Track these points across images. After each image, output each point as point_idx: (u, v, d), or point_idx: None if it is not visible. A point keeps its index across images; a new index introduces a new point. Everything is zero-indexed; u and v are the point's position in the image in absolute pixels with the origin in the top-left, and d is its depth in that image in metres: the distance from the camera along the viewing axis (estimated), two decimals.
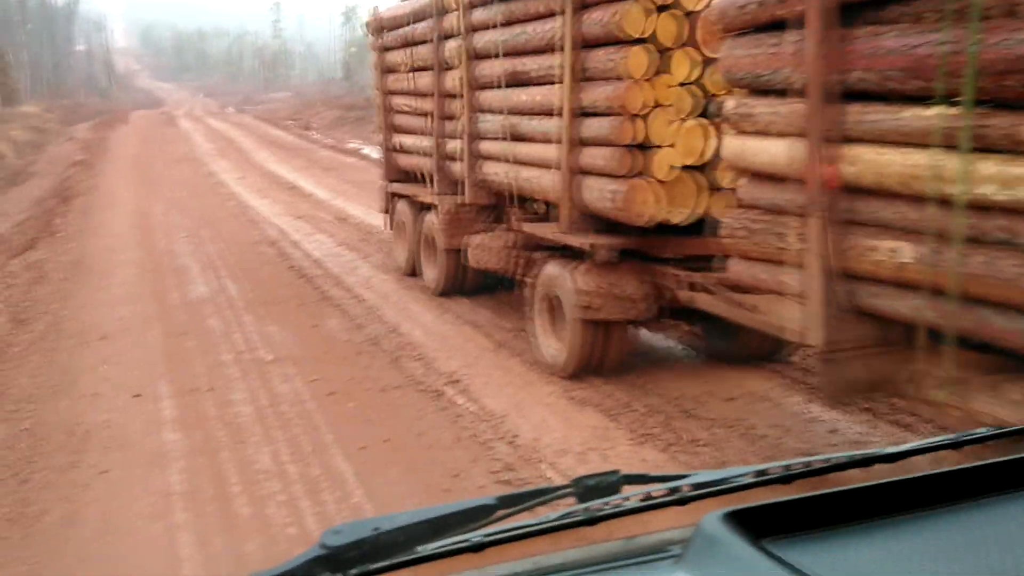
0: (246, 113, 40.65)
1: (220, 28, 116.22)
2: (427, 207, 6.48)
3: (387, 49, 7.43)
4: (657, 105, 4.05)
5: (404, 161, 7.18)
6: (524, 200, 5.30)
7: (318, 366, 4.86)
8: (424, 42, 6.42)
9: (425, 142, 6.55)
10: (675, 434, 3.82)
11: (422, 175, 6.74)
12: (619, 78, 4.09)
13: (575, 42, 4.37)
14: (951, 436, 1.12)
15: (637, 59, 3.99)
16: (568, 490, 0.99)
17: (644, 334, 5.13)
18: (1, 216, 10.31)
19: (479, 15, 5.44)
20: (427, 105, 6.48)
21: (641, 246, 4.37)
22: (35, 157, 17.35)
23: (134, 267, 7.61)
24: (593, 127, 4.33)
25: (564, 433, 3.90)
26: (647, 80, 4.02)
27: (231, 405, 4.28)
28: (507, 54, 5.13)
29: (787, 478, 1.01)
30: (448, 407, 4.23)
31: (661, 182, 4.08)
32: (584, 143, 4.43)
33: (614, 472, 1.02)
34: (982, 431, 1.14)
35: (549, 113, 4.68)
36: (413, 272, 6.87)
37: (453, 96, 5.98)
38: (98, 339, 5.43)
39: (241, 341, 5.37)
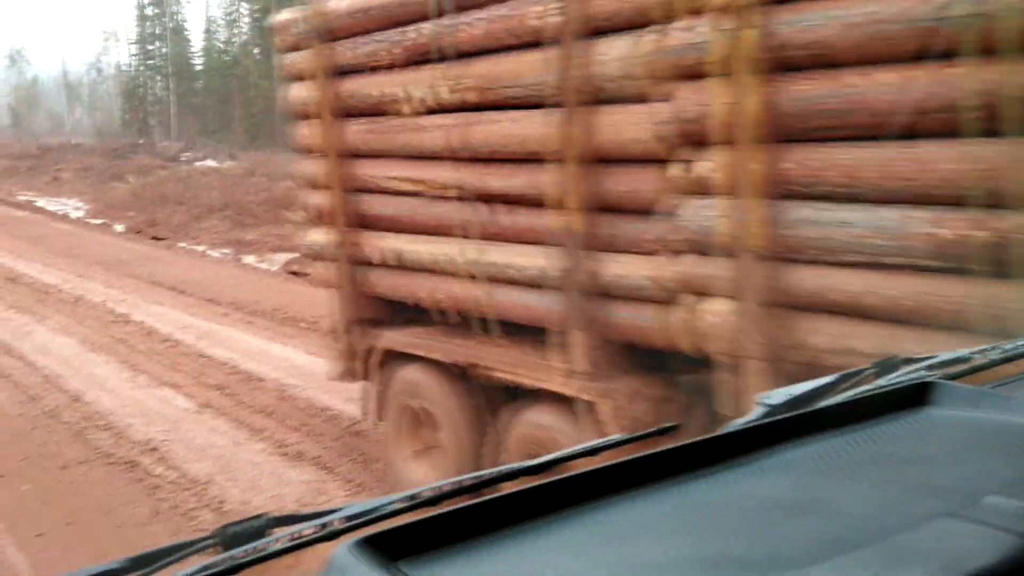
0: None
1: None
2: (520, 393, 3.30)
3: (346, 72, 3.99)
4: None
5: (397, 284, 3.87)
6: None
7: None
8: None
9: (482, 253, 3.37)
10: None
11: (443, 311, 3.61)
12: None
13: None
14: (588, 444, 1.17)
15: None
16: (210, 541, 0.93)
17: None
18: None
19: None
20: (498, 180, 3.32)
21: None
22: None
23: None
24: None
25: (277, 491, 3.74)
26: None
27: None
28: None
29: (436, 499, 1.02)
30: (144, 478, 3.88)
31: None
32: None
33: (260, 516, 0.96)
34: (616, 437, 1.19)
35: None
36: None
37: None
38: None
39: None
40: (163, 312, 7.70)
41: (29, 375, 5.53)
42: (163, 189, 19.45)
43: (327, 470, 4.07)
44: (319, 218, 4.30)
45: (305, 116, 4.24)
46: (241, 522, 0.95)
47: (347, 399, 5.07)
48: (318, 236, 4.32)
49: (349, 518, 0.96)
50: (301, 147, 4.36)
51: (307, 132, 4.26)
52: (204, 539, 0.93)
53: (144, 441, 4.33)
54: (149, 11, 45.63)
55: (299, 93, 4.24)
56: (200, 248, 12.87)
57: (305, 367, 5.88)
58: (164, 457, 4.12)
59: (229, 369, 5.78)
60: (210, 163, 27.42)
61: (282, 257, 12.05)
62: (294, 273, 10.73)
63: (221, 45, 44.58)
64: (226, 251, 12.68)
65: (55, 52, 69.19)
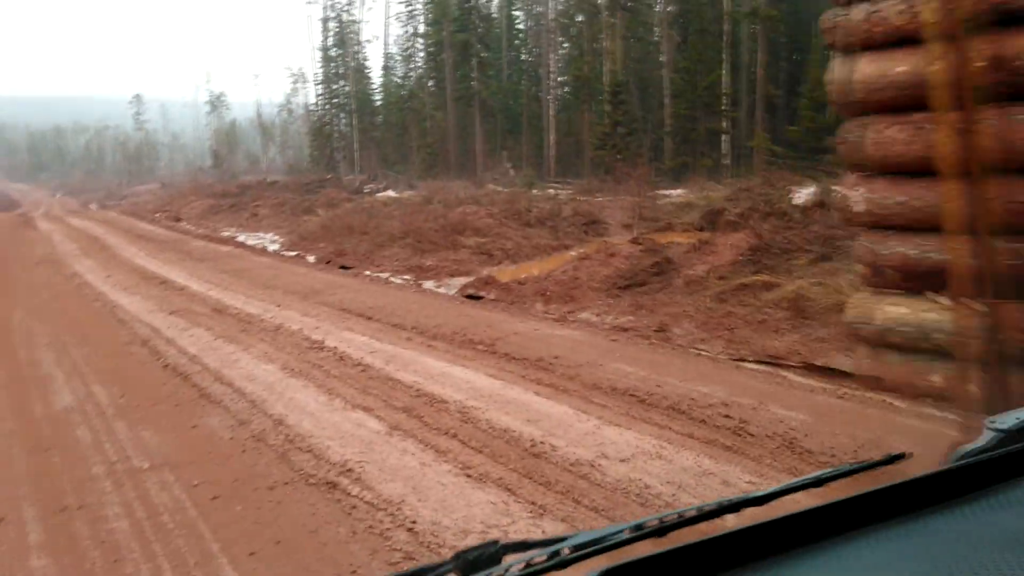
0: (110, 208, 39.15)
1: (79, 124, 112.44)
2: None
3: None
4: None
5: None
6: None
7: (199, 469, 4.62)
8: None
9: None
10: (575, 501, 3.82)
11: None
12: None
13: None
14: (813, 475, 1.16)
15: None
16: (448, 566, 0.97)
17: None
18: None
19: None
20: None
21: None
22: None
23: None
24: None
25: (465, 512, 3.84)
26: None
27: (104, 521, 3.99)
28: None
29: (662, 530, 1.02)
30: (342, 499, 4.09)
31: None
32: None
33: (493, 543, 1.01)
34: (844, 467, 1.17)
35: None
36: None
37: None
38: None
39: (112, 451, 5.05)
40: (353, 338, 8.14)
41: (237, 400, 6.01)
42: (349, 220, 20.65)
43: (510, 491, 4.12)
44: (904, 277, 2.73)
45: (884, 108, 2.72)
46: (477, 548, 1.00)
47: (526, 421, 5.13)
48: (897, 308, 2.84)
49: (578, 547, 0.99)
50: (861, 161, 2.87)
51: (887, 135, 2.84)
52: (443, 564, 0.98)
53: (341, 462, 4.57)
54: (333, 52, 48.74)
55: (879, 72, 2.68)
56: (383, 275, 13.51)
57: (485, 389, 6.02)
58: (360, 478, 4.33)
59: (415, 392, 6.01)
60: (390, 193, 28.89)
61: (458, 281, 12.43)
62: (470, 296, 11.05)
63: (399, 80, 46.89)
64: (407, 277, 13.24)
65: (250, 96, 75.13)
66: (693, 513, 1.07)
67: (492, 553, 1.00)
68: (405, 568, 0.98)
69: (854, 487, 1.05)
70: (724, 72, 26.12)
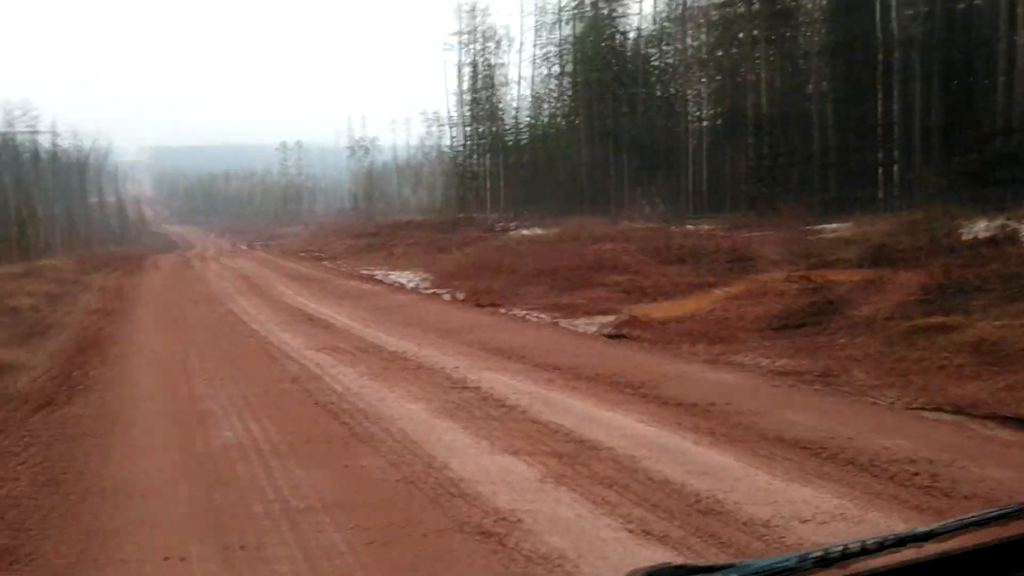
0: (259, 249, 41.42)
1: (238, 170, 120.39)
2: None
3: None
4: None
5: None
6: None
7: (353, 512, 4.56)
8: None
9: None
10: None
11: None
12: None
13: None
14: (982, 512, 1.14)
15: None
16: None
17: None
18: (22, 370, 10.17)
19: None
20: None
21: None
22: (55, 308, 17.44)
23: (159, 418, 7.37)
24: None
25: None
26: None
27: (265, 563, 3.97)
28: None
29: (826, 561, 1.04)
30: (498, 550, 3.90)
31: None
32: None
33: (665, 565, 1.07)
34: (981, 514, 1.15)
35: None
36: None
37: None
38: (124, 497, 5.14)
39: (270, 490, 5.08)
40: (495, 378, 8.03)
41: (387, 440, 5.97)
42: (485, 258, 20.86)
43: (677, 550, 3.82)
44: None
45: None
46: (645, 569, 1.04)
47: (688, 472, 4.81)
48: None
49: (745, 575, 1.01)
50: None
51: None
52: None
53: (494, 510, 4.40)
54: (468, 96, 50.14)
55: None
56: (521, 313, 13.46)
57: (638, 436, 5.73)
58: (515, 529, 4.14)
59: (563, 436, 5.79)
60: (528, 231, 29.07)
61: (598, 320, 12.21)
62: (612, 336, 10.78)
63: (539, 120, 47.62)
64: (545, 315, 13.12)
65: (388, 139, 78.29)
66: (857, 548, 1.07)
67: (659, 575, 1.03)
68: None
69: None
70: (879, 101, 24.89)
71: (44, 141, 60.41)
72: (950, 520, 1.12)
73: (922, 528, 1.10)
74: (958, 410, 6.09)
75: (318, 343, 10.72)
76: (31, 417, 7.53)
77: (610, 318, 12.25)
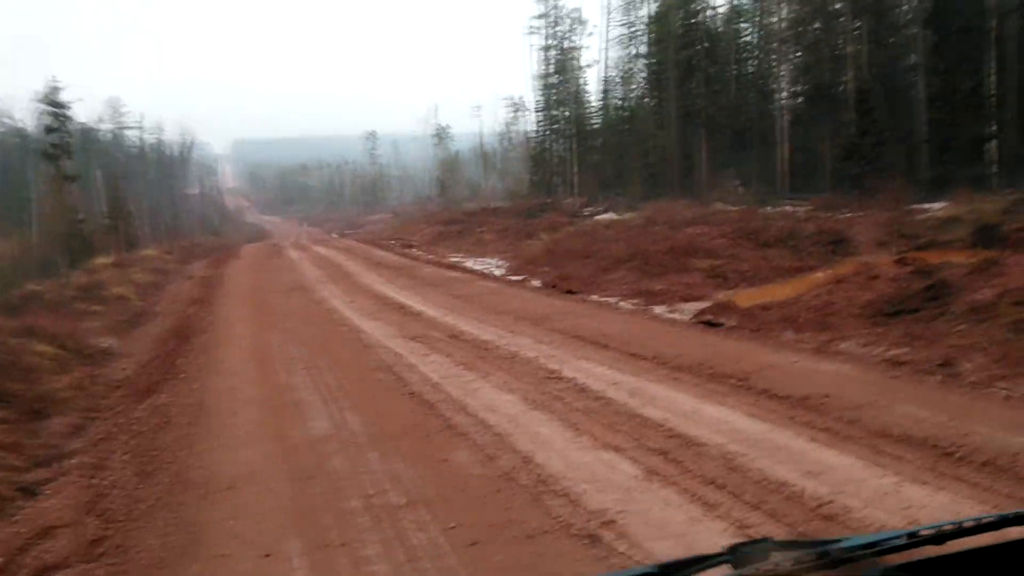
0: (348, 237, 42.20)
1: (321, 161, 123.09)
2: None
3: None
4: None
5: None
6: None
7: (454, 509, 4.43)
8: None
9: None
10: None
11: None
12: None
13: None
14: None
15: None
16: (724, 558, 1.03)
17: None
18: (127, 358, 10.49)
19: None
20: None
21: None
22: (156, 298, 18.05)
23: (254, 406, 7.45)
24: None
25: None
26: None
27: (366, 563, 3.87)
28: None
29: (938, 539, 1.02)
30: (607, 555, 3.70)
31: None
32: None
33: (765, 539, 1.08)
34: None
35: None
36: None
37: None
38: (224, 489, 5.16)
39: (368, 483, 5.00)
40: (590, 368, 7.82)
41: (483, 433, 5.83)
42: (570, 244, 20.59)
43: None
44: None
45: None
46: (749, 543, 1.06)
47: (806, 473, 4.51)
48: None
49: (849, 549, 1.01)
50: None
51: None
52: (719, 556, 1.04)
53: (599, 511, 4.20)
54: (552, 80, 49.72)
55: None
56: (611, 300, 13.17)
57: (747, 432, 5.43)
58: (623, 532, 3.93)
59: (666, 431, 5.54)
60: (610, 215, 28.66)
61: (691, 307, 11.83)
62: (708, 323, 10.40)
63: (618, 102, 46.91)
64: (635, 302, 12.80)
65: (472, 126, 78.55)
66: (972, 524, 1.06)
67: (764, 549, 1.03)
68: (681, 558, 1.08)
69: None
70: (992, 72, 23.32)
71: (132, 136, 63.16)
72: None
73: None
74: None
75: (409, 331, 10.71)
76: (139, 404, 7.72)
77: (703, 304, 11.85)
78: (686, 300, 12.35)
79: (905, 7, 29.24)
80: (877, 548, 0.99)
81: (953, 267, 9.86)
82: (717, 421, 5.69)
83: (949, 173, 21.83)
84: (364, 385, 7.86)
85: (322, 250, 31.41)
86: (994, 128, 23.70)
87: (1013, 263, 8.93)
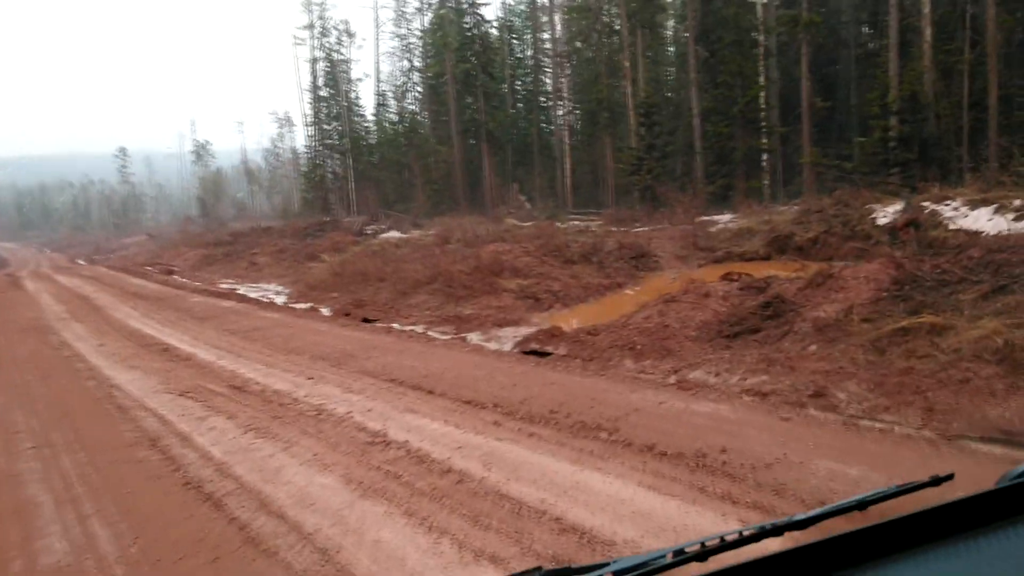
0: (99, 264, 37.44)
1: (64, 180, 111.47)
2: None
3: None
4: None
5: None
6: None
7: None
8: None
9: None
10: None
11: None
12: None
13: None
14: (855, 498, 1.18)
15: None
16: None
17: None
18: None
19: None
20: None
21: None
22: None
23: None
24: None
25: None
26: None
27: None
28: None
29: (703, 555, 1.06)
30: None
31: None
32: None
33: (538, 568, 1.12)
34: (886, 489, 1.21)
35: None
36: None
37: None
38: None
39: None
40: (421, 425, 6.36)
41: (300, 547, 4.18)
42: (360, 266, 18.93)
43: None
44: None
45: None
46: (521, 573, 1.10)
47: None
48: None
49: (620, 572, 1.03)
50: None
51: None
52: None
53: None
54: (323, 93, 47.53)
55: None
56: (418, 328, 11.78)
57: (657, 518, 4.22)
58: None
59: (553, 522, 4.21)
60: (396, 234, 27.19)
61: (509, 332, 10.74)
62: (534, 352, 9.32)
63: (395, 116, 45.65)
64: (444, 329, 11.53)
65: (235, 142, 74.40)
66: (735, 537, 1.10)
67: None
68: None
69: (897, 510, 1.06)
70: (762, 84, 24.49)
71: None
72: (825, 507, 1.13)
73: (798, 516, 1.14)
74: (1010, 437, 4.96)
75: (178, 383, 8.64)
76: None
77: (522, 329, 10.79)
78: (500, 325, 11.24)
79: (679, 24, 30.42)
80: (646, 568, 1.00)
81: (781, 282, 9.44)
82: (611, 501, 4.44)
83: (730, 185, 22.59)
84: (119, 472, 5.85)
85: (66, 279, 27.20)
86: (765, 141, 24.99)
87: (851, 276, 8.59)
